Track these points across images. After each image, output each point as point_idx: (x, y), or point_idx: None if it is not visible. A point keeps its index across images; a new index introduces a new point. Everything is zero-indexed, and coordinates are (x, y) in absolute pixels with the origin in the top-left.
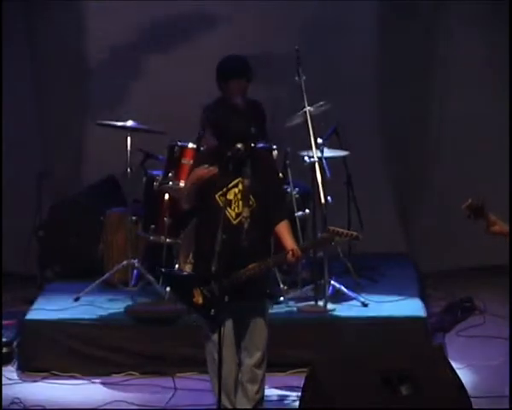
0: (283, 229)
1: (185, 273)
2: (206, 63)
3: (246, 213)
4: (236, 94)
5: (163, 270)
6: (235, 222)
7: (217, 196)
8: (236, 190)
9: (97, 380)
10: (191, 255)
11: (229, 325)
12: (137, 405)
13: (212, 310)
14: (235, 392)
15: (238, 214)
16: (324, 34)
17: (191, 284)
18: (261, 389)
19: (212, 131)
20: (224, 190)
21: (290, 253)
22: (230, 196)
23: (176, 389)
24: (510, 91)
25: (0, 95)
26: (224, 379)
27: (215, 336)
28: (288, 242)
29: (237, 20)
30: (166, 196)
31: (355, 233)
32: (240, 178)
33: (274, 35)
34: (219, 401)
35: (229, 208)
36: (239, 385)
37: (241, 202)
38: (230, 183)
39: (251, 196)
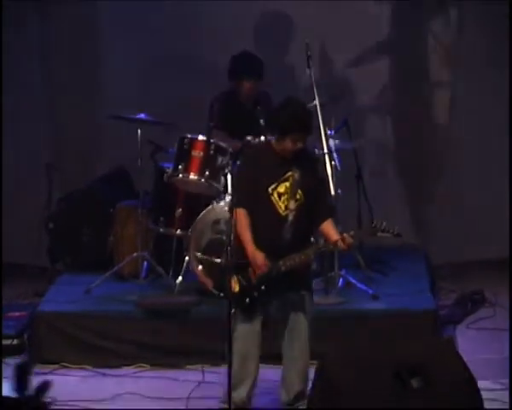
0: (329, 226)
1: (222, 261)
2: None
3: (292, 205)
4: (248, 93)
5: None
6: (283, 214)
7: (269, 189)
8: (288, 183)
9: (108, 372)
10: (200, 253)
11: (258, 321)
12: (148, 397)
13: (247, 299)
14: (252, 388)
15: (287, 207)
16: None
17: (228, 271)
18: (303, 383)
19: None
20: (275, 185)
21: (340, 241)
22: (281, 188)
23: (200, 383)
24: (510, 90)
25: (1, 89)
26: (244, 374)
27: (243, 327)
28: (335, 236)
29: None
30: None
31: (397, 231)
32: (291, 172)
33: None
34: (230, 399)
35: (279, 200)
36: (281, 379)
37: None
38: (282, 176)
39: (299, 191)
